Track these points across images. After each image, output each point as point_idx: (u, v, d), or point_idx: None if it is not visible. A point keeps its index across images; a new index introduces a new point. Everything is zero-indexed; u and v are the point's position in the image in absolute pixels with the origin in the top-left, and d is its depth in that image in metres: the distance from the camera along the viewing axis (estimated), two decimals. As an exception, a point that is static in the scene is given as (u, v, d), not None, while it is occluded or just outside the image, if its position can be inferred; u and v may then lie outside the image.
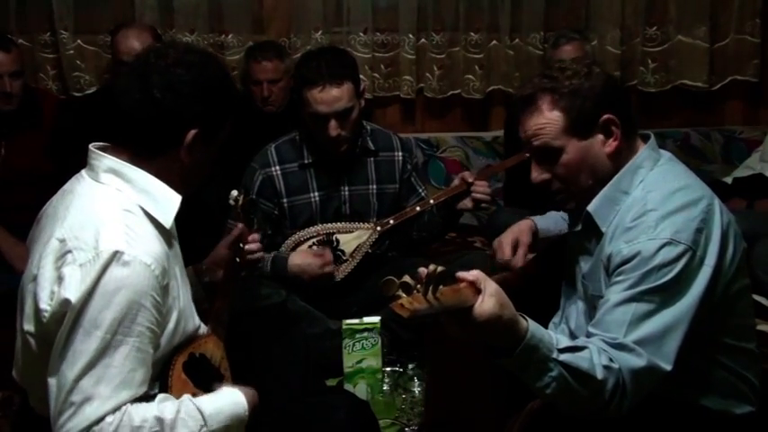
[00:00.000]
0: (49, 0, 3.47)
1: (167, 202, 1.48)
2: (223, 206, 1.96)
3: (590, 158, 1.59)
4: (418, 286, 1.30)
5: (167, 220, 1.48)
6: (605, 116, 1.57)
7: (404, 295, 1.30)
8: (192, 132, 1.45)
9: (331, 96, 2.37)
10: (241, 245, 1.82)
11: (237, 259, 1.80)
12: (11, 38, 3.06)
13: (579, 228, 1.69)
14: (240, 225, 1.83)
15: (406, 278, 1.31)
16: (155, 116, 1.43)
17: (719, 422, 1.59)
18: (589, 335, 1.48)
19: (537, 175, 1.65)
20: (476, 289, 1.33)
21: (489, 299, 1.30)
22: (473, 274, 1.32)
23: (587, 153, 1.59)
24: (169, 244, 1.51)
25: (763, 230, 2.77)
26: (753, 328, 1.69)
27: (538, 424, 1.57)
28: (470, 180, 2.49)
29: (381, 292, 1.31)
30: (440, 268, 1.30)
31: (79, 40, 3.49)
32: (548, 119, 1.58)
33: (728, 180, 3.30)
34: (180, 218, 1.54)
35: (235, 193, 1.87)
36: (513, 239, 2.04)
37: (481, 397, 1.71)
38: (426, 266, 1.27)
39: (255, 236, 1.89)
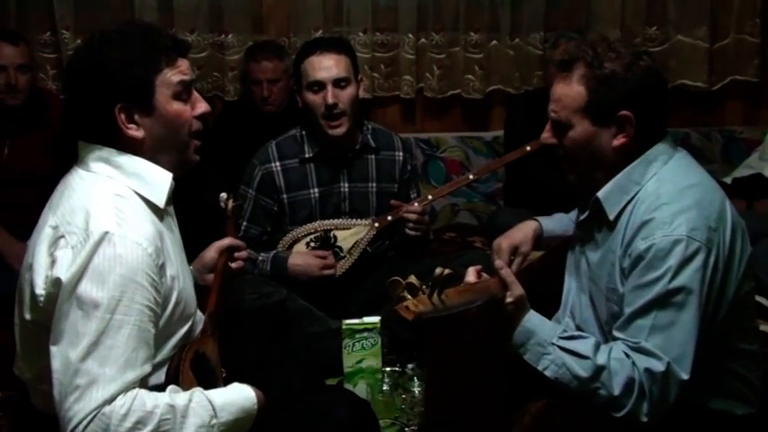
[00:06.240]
0: (50, 0, 3.47)
1: (158, 181, 1.50)
2: (222, 210, 1.96)
3: (595, 144, 1.60)
4: (424, 287, 1.33)
5: (160, 199, 1.49)
6: (624, 112, 1.56)
7: (409, 297, 1.32)
8: (118, 107, 1.44)
9: (329, 62, 2.45)
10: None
11: (232, 264, 1.80)
12: (20, 34, 3.06)
13: (586, 216, 1.69)
14: (232, 231, 1.82)
15: (412, 279, 1.34)
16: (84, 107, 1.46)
17: (721, 423, 1.60)
18: (614, 338, 1.52)
19: (548, 135, 1.68)
20: (503, 283, 1.51)
21: (517, 293, 1.51)
22: (504, 272, 1.52)
23: (594, 138, 1.60)
24: (168, 226, 1.52)
25: (762, 231, 2.77)
26: (756, 329, 1.70)
27: (539, 425, 1.57)
28: (471, 177, 2.59)
29: (387, 292, 1.35)
30: (446, 271, 1.35)
31: (79, 40, 3.49)
32: (572, 91, 1.59)
33: (728, 180, 3.30)
34: (181, 220, 1.54)
35: (224, 195, 1.88)
36: (511, 247, 2.03)
37: (481, 397, 1.72)
38: (441, 267, 1.37)
39: (243, 243, 1.88)
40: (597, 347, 1.49)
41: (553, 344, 1.49)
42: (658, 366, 1.44)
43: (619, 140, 1.59)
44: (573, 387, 1.48)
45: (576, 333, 1.56)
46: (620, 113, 1.56)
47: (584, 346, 1.49)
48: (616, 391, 1.44)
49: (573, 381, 1.47)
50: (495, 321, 1.53)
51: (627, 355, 1.46)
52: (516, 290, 1.51)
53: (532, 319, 1.52)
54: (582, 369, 1.46)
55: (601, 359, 1.46)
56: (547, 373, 1.49)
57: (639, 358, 1.45)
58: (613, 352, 1.47)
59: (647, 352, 1.45)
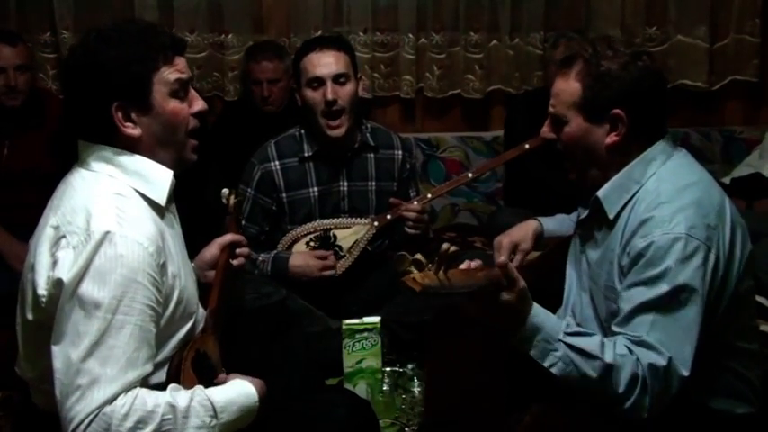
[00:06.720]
0: (50, 0, 3.48)
1: (159, 179, 1.50)
2: (224, 206, 1.97)
3: (589, 141, 1.61)
4: (429, 265, 1.35)
5: (161, 197, 1.50)
6: (616, 111, 1.57)
7: (415, 271, 1.36)
8: (115, 105, 1.44)
9: (328, 59, 2.45)
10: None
11: (233, 261, 1.80)
12: (18, 34, 3.05)
13: (586, 215, 1.70)
14: (234, 227, 1.82)
15: (419, 256, 1.37)
16: (82, 105, 1.46)
17: (721, 422, 1.60)
18: (614, 333, 1.52)
19: (547, 130, 1.70)
20: (506, 276, 1.45)
21: (520, 285, 1.46)
22: (508, 268, 1.46)
23: (587, 135, 1.61)
24: (169, 224, 1.53)
25: (762, 231, 2.77)
26: (756, 329, 1.70)
27: (540, 424, 1.57)
28: (470, 175, 2.60)
29: (394, 266, 1.39)
30: (452, 248, 1.37)
31: (79, 40, 3.49)
32: (569, 86, 1.61)
33: (726, 181, 3.30)
34: (182, 218, 1.53)
35: (226, 191, 1.88)
36: (512, 244, 2.03)
37: (481, 397, 1.72)
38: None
39: (244, 239, 1.88)
40: (603, 345, 1.47)
41: (560, 340, 1.47)
42: (660, 361, 1.43)
43: (611, 139, 1.59)
44: (578, 385, 1.47)
45: (580, 330, 1.54)
46: (613, 112, 1.57)
47: (591, 343, 1.47)
48: (621, 388, 1.44)
49: (580, 379, 1.46)
50: (498, 315, 1.52)
51: (630, 350, 1.45)
52: (519, 283, 1.49)
53: (539, 314, 1.49)
54: (591, 369, 1.44)
55: (608, 357, 1.44)
56: (553, 370, 1.46)
57: (642, 352, 1.44)
58: (617, 347, 1.46)
59: (648, 346, 1.45)
